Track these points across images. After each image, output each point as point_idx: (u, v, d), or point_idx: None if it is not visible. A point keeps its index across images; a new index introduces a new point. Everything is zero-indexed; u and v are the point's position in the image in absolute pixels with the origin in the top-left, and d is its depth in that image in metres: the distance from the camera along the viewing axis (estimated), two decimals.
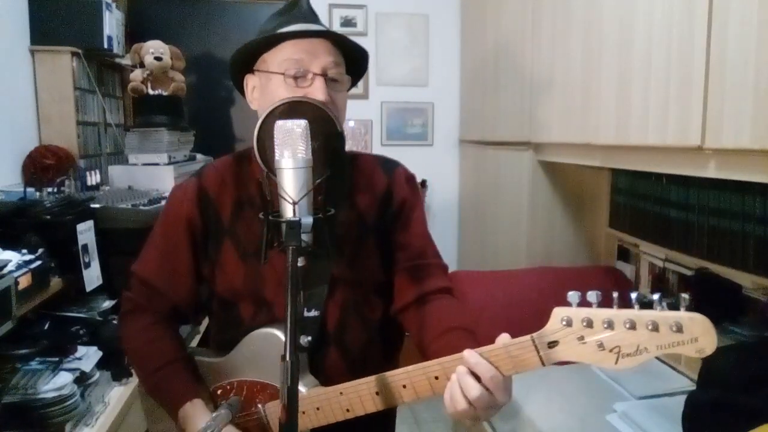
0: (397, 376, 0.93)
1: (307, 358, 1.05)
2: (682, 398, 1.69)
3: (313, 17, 1.07)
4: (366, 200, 1.12)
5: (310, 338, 1.05)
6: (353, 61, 1.09)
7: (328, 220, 0.91)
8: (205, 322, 2.16)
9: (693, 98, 1.57)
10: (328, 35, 1.03)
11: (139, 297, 1.15)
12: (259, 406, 1.06)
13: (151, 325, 1.13)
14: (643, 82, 1.81)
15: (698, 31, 1.54)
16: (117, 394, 1.64)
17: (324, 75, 1.02)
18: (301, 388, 0.99)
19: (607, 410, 1.97)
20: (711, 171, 1.58)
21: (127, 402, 1.62)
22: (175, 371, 1.09)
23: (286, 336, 0.81)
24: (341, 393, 0.97)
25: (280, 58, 1.02)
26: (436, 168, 3.57)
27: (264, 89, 1.06)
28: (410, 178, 1.18)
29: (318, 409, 0.98)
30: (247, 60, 1.08)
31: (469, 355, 0.86)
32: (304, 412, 0.98)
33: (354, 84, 1.12)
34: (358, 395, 0.95)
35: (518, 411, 2.09)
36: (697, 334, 0.76)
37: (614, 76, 1.98)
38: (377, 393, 0.94)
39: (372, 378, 0.95)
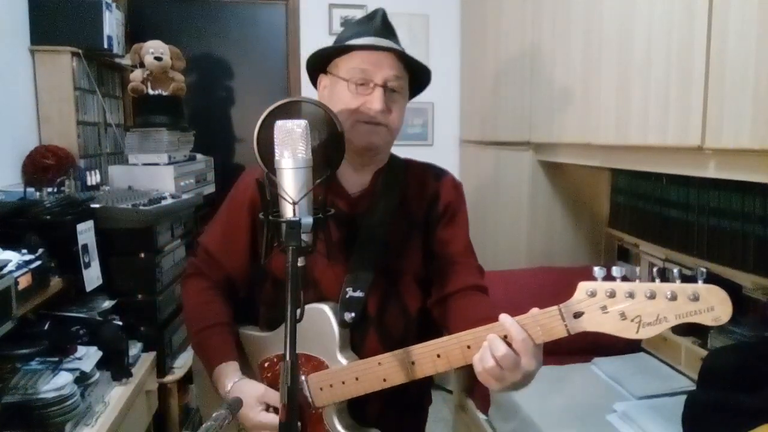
0: (433, 345, 1.00)
1: (349, 334, 1.13)
2: (682, 398, 1.69)
3: (385, 31, 1.17)
4: (416, 201, 1.22)
5: (353, 314, 1.13)
6: (416, 75, 1.19)
7: (372, 212, 1.06)
8: None
9: (693, 98, 1.57)
10: (392, 51, 1.12)
11: (201, 263, 1.26)
12: (302, 377, 1.11)
13: (206, 289, 1.24)
14: (643, 82, 1.80)
15: (698, 31, 1.54)
16: (117, 394, 1.64)
17: (384, 86, 1.11)
18: (343, 360, 1.09)
19: (607, 410, 1.97)
20: (711, 171, 1.58)
21: (127, 402, 1.62)
22: (218, 332, 1.18)
23: (286, 336, 0.81)
24: (380, 363, 1.04)
25: (349, 65, 1.13)
26: None
27: (332, 90, 1.16)
28: (457, 185, 1.27)
29: (357, 378, 1.05)
30: (322, 62, 1.18)
31: (505, 318, 0.92)
32: (344, 382, 1.06)
33: (414, 95, 1.23)
34: (396, 365, 1.02)
35: (518, 411, 2.09)
36: (713, 303, 0.80)
37: (614, 76, 1.98)
38: (413, 362, 1.01)
39: (409, 348, 1.02)
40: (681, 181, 2.25)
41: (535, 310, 0.91)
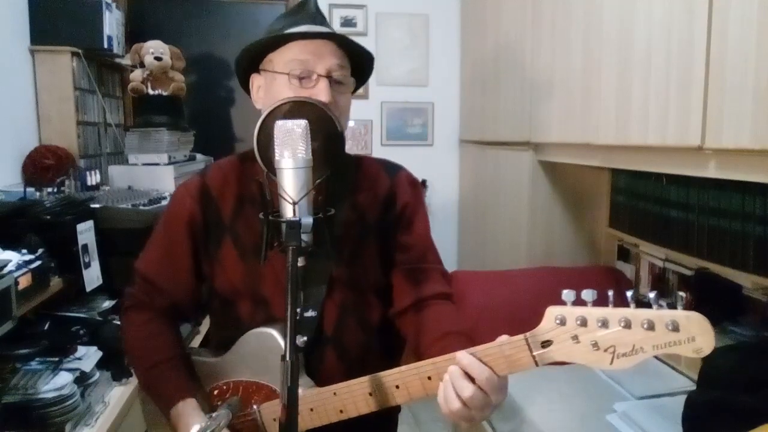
0: (391, 376, 0.92)
1: (303, 358, 1.04)
2: (682, 398, 1.68)
3: (320, 19, 1.09)
4: (368, 202, 1.12)
5: (305, 338, 1.04)
6: (358, 63, 1.10)
7: (328, 220, 0.90)
8: (206, 323, 2.16)
9: (693, 98, 1.57)
10: (333, 37, 1.04)
11: (140, 293, 1.15)
12: (255, 407, 1.06)
13: (150, 321, 1.13)
14: (643, 82, 1.80)
15: (698, 31, 1.54)
16: (117, 394, 1.64)
17: (328, 76, 1.02)
18: None
19: (607, 410, 1.97)
20: (711, 171, 1.58)
21: (127, 402, 1.62)
22: (170, 368, 1.08)
23: (286, 336, 0.81)
24: (335, 394, 0.96)
25: (286, 58, 1.03)
26: (436, 168, 3.57)
27: (269, 89, 1.06)
28: (413, 182, 1.18)
29: (312, 410, 0.97)
30: (253, 59, 1.08)
31: (462, 356, 0.85)
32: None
33: (359, 86, 1.13)
34: (352, 396, 0.95)
35: (518, 411, 2.09)
36: (694, 333, 0.74)
37: (614, 77, 1.98)
38: (370, 394, 0.93)
39: (365, 378, 0.94)
40: (681, 181, 2.25)
41: (503, 338, 0.84)
